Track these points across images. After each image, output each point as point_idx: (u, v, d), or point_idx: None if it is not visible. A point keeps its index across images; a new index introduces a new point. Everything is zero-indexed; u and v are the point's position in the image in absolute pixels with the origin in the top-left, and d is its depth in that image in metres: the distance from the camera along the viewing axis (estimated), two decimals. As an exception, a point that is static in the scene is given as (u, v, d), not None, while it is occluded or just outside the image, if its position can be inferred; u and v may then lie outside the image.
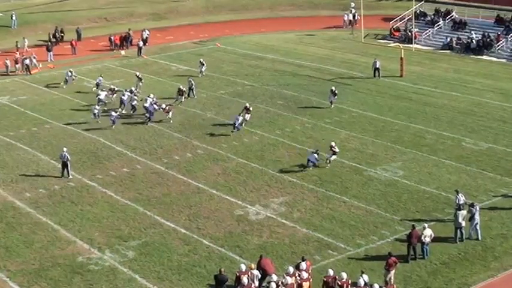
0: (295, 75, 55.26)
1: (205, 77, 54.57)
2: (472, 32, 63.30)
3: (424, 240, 28.25)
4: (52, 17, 74.25)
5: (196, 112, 46.41)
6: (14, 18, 71.27)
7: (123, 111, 45.40)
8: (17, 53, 60.66)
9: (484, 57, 60.50)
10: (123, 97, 46.43)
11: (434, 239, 28.75)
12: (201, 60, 55.96)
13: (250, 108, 43.65)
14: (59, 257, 29.02)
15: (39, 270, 28.11)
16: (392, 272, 26.31)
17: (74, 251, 29.45)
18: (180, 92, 47.74)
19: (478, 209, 29.87)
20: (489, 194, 33.79)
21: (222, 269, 26.06)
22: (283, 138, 41.58)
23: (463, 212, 29.62)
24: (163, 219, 32.07)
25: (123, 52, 63.68)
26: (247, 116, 43.11)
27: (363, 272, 25.39)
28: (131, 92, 47.35)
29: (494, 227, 30.81)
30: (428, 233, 28.34)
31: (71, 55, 63.11)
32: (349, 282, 25.17)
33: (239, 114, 42.81)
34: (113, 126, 43.19)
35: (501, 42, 61.24)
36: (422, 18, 68.66)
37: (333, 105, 46.50)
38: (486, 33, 62.25)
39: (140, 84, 50.81)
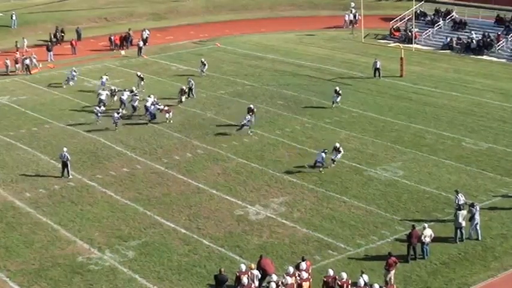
0: (295, 75, 55.26)
1: (205, 77, 54.58)
2: (472, 32, 63.31)
3: (424, 240, 28.25)
4: (52, 17, 74.26)
5: (196, 112, 46.41)
6: (14, 18, 71.28)
7: (124, 111, 45.35)
8: (17, 53, 60.67)
9: (484, 57, 60.50)
10: (122, 97, 46.37)
11: (434, 239, 28.74)
12: (202, 60, 55.97)
13: (255, 110, 43.45)
14: (59, 257, 29.02)
15: (39, 270, 28.11)
16: (393, 272, 26.31)
17: (74, 251, 29.45)
18: (182, 92, 47.68)
19: (478, 209, 29.87)
20: (489, 194, 33.79)
21: (222, 269, 26.05)
22: (283, 138, 41.58)
23: (463, 212, 29.62)
24: (163, 219, 32.07)
25: (123, 52, 63.68)
26: (252, 118, 42.86)
27: (363, 272, 25.39)
28: (131, 92, 47.31)
29: (494, 227, 30.81)
30: (428, 233, 28.34)
31: (71, 55, 63.12)
32: (349, 282, 25.17)
33: (248, 115, 42.51)
34: (116, 128, 42.96)
35: (501, 42, 61.24)
36: (422, 18, 68.66)
37: (334, 105, 46.44)
38: (486, 33, 62.25)
39: (142, 83, 50.82)
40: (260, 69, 57.03)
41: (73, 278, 27.55)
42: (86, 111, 46.76)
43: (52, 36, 66.76)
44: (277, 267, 27.18)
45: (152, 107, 44.08)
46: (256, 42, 66.94)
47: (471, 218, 29.61)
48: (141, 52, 62.32)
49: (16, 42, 63.97)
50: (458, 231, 29.52)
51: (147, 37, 65.43)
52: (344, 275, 25.25)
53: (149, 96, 45.20)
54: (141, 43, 63.05)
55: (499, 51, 60.89)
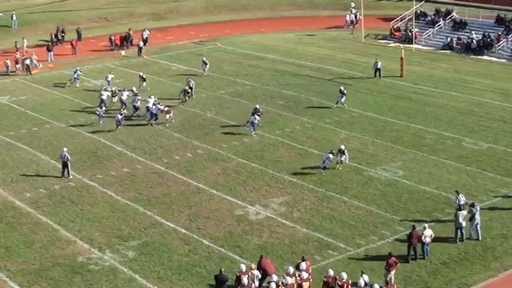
0: (295, 75, 55.26)
1: (205, 77, 54.58)
2: (473, 32, 63.31)
3: (424, 241, 28.24)
4: (52, 17, 74.27)
5: (196, 112, 46.41)
6: (14, 18, 71.27)
7: (125, 111, 45.28)
8: (17, 53, 60.68)
9: (484, 57, 60.50)
10: (122, 97, 46.24)
11: (435, 239, 28.74)
12: (204, 59, 55.99)
13: (261, 110, 43.29)
14: (59, 257, 29.02)
15: (39, 270, 28.11)
16: (393, 272, 26.31)
17: (74, 251, 29.45)
18: (185, 93, 47.51)
19: (478, 209, 29.86)
20: (489, 194, 33.79)
21: (222, 269, 26.06)
22: (283, 138, 41.58)
23: (464, 212, 29.61)
24: (163, 219, 32.07)
25: (123, 52, 63.68)
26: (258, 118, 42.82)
27: (363, 272, 25.39)
28: (132, 92, 47.24)
29: (495, 227, 30.81)
30: (428, 233, 28.34)
31: (71, 55, 63.13)
32: (350, 283, 25.17)
33: (256, 115, 42.39)
34: (116, 129, 42.76)
35: (501, 42, 61.24)
36: (422, 18, 68.67)
37: (336, 105, 46.33)
38: (486, 33, 62.25)
39: (144, 84, 50.81)
40: (260, 69, 57.04)
41: (73, 278, 27.56)
42: (86, 112, 46.77)
43: (53, 37, 66.80)
44: (277, 267, 27.18)
45: (153, 107, 43.98)
46: (256, 42, 66.94)
47: (471, 218, 29.61)
48: (141, 52, 62.32)
49: (16, 42, 63.98)
50: (459, 231, 29.52)
51: (147, 37, 65.42)
52: (344, 275, 25.25)
53: (150, 97, 45.06)
54: (141, 43, 63.05)
55: (499, 51, 60.89)
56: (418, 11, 68.09)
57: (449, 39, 63.75)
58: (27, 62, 57.01)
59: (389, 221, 31.49)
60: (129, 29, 66.53)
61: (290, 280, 25.07)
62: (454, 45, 62.99)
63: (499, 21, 64.42)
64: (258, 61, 59.68)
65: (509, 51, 60.59)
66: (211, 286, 26.42)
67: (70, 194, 34.81)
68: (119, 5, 79.92)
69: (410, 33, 64.91)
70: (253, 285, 25.19)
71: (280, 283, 24.89)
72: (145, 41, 64.32)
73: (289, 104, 47.71)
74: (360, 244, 29.58)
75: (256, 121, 41.77)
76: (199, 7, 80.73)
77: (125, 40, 65.42)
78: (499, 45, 61.10)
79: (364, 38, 66.42)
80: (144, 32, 65.54)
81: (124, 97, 46.21)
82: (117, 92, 48.02)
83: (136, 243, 29.96)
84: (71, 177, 36.47)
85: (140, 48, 62.47)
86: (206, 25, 74.61)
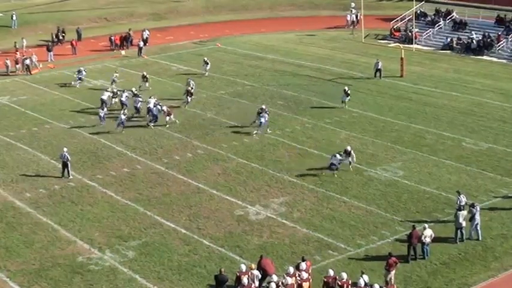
0: (295, 75, 55.27)
1: (205, 77, 54.58)
2: (473, 32, 63.31)
3: (424, 241, 28.24)
4: (52, 17, 74.29)
5: (197, 112, 46.41)
6: (14, 18, 71.28)
7: (126, 112, 45.20)
8: (17, 53, 60.69)
9: (484, 57, 60.50)
10: (122, 98, 46.05)
11: (435, 239, 28.74)
12: (205, 59, 56.01)
13: (266, 111, 43.17)
14: (59, 257, 29.02)
15: (39, 270, 28.11)
16: (393, 272, 26.31)
17: (74, 251, 29.45)
18: (188, 93, 47.38)
19: (478, 209, 29.85)
20: (489, 194, 33.78)
21: (222, 269, 26.05)
22: (283, 138, 41.58)
23: (464, 213, 29.60)
24: (163, 219, 32.07)
25: (123, 52, 63.69)
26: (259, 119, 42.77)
27: (363, 272, 25.38)
28: (132, 92, 47.18)
29: (495, 227, 30.81)
30: (428, 233, 28.33)
31: (71, 55, 63.14)
32: (350, 283, 25.16)
33: (261, 115, 42.26)
34: (121, 130, 42.40)
35: (501, 42, 61.24)
36: (422, 19, 68.68)
37: (346, 105, 46.32)
38: (486, 34, 62.25)
39: (147, 85, 50.80)
40: (260, 70, 57.04)
41: (73, 278, 27.56)
42: (86, 112, 46.77)
43: (54, 37, 66.82)
44: (278, 268, 27.18)
45: (154, 108, 43.78)
46: (256, 42, 66.95)
47: (471, 218, 29.60)
48: (141, 52, 62.33)
49: (15, 42, 63.98)
50: (459, 231, 29.52)
51: (147, 37, 65.41)
52: (344, 275, 25.25)
53: (150, 98, 44.82)
54: (142, 43, 63.06)
55: (499, 51, 60.90)
56: (418, 11, 68.10)
57: (449, 40, 63.76)
58: (27, 62, 57.02)
59: (389, 221, 31.49)
60: (129, 29, 66.54)
61: (290, 280, 25.07)
62: (454, 45, 62.99)
63: (499, 21, 64.41)
64: (258, 61, 59.69)
65: (509, 51, 60.59)
66: (211, 286, 26.42)
67: (70, 194, 34.81)
68: (119, 5, 79.93)
69: (410, 34, 64.91)
70: (253, 285, 25.18)
71: (280, 283, 24.89)
72: (145, 41, 64.33)
73: (289, 104, 47.71)
74: (360, 244, 29.58)
75: (264, 120, 41.76)
76: (199, 7, 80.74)
77: (125, 40, 65.43)
78: (499, 46, 61.10)
79: (364, 38, 66.43)
80: (144, 32, 65.53)
81: (124, 98, 46.08)
82: (118, 92, 47.86)
83: (137, 243, 29.96)
84: (71, 177, 36.47)
85: (140, 48, 62.48)
86: (206, 25, 74.62)
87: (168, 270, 28.00)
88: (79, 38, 67.34)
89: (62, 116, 46.11)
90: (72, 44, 64.08)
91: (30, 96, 51.09)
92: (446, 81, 53.23)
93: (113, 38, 65.25)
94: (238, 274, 25.69)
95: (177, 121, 43.65)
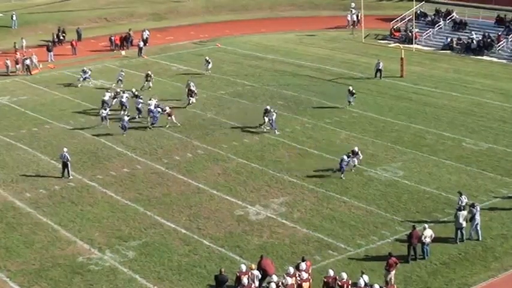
0: (296, 75, 55.27)
1: (205, 77, 54.59)
2: (473, 32, 63.32)
3: (424, 241, 28.24)
4: (52, 17, 74.31)
5: (197, 112, 46.41)
6: (14, 18, 71.30)
7: (129, 114, 45.12)
8: (18, 53, 60.71)
9: (485, 57, 60.50)
10: (123, 99, 45.87)
11: (435, 240, 28.73)
12: (207, 58, 56.05)
13: (272, 110, 42.99)
14: (59, 257, 29.02)
15: (39, 271, 28.11)
16: (393, 273, 26.31)
17: (74, 251, 29.45)
18: (192, 94, 47.24)
19: (478, 209, 29.85)
20: (489, 195, 33.78)
21: (222, 269, 26.05)
22: (284, 138, 41.57)
23: (464, 213, 29.58)
24: (163, 219, 32.07)
25: (123, 52, 63.70)
26: (266, 119, 42.73)
27: (363, 273, 25.38)
28: (131, 92, 47.12)
29: (495, 227, 30.81)
30: (428, 234, 28.33)
31: (71, 55, 63.15)
32: (350, 283, 25.15)
33: (267, 116, 42.33)
34: (124, 133, 42.15)
35: (501, 42, 61.24)
36: (422, 19, 68.68)
37: (351, 104, 46.33)
38: (486, 34, 62.25)
39: (150, 84, 50.79)
40: (260, 70, 57.04)
41: (73, 278, 27.56)
42: (86, 112, 46.78)
43: (55, 37, 66.87)
44: (278, 268, 27.17)
45: (155, 109, 43.42)
46: (256, 42, 66.95)
47: (471, 219, 29.59)
48: (141, 52, 62.34)
49: (14, 43, 63.99)
50: (459, 231, 29.51)
51: (147, 37, 65.42)
52: (344, 275, 25.24)
53: (151, 99, 44.59)
54: (142, 43, 63.07)
55: (499, 51, 60.90)
56: (418, 11, 68.10)
57: (449, 40, 63.76)
58: (27, 62, 57.02)
59: (389, 221, 31.49)
60: (129, 29, 66.54)
61: (290, 280, 25.07)
62: (454, 45, 62.99)
63: (499, 21, 64.41)
64: (258, 61, 59.70)
65: (509, 51, 60.59)
66: (212, 286, 26.41)
67: (70, 194, 34.81)
68: (119, 5, 79.94)
69: (410, 34, 64.91)
70: (253, 286, 25.19)
71: (280, 283, 24.89)
72: (145, 41, 64.33)
73: (289, 104, 47.70)
74: (360, 244, 29.58)
75: (273, 121, 41.99)
76: (200, 7, 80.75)
77: (125, 40, 65.43)
78: (499, 46, 61.10)
79: (364, 38, 66.43)
80: (144, 32, 65.54)
81: (124, 99, 45.93)
82: (120, 93, 47.47)
83: (137, 244, 29.96)
84: (71, 177, 36.47)
85: (140, 49, 62.49)
86: (206, 25, 74.63)
87: (168, 270, 28.01)
88: (79, 38, 67.36)
89: (62, 116, 46.12)
90: (72, 44, 64.09)
91: (30, 96, 51.10)
92: (446, 82, 53.23)
93: (113, 38, 65.26)
94: (238, 274, 25.68)
95: (178, 124, 43.36)
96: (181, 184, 35.73)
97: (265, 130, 42.18)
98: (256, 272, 25.76)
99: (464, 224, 29.39)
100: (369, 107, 46.95)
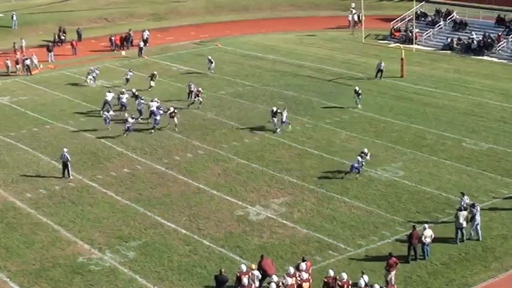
0: (296, 75, 55.27)
1: (206, 77, 54.61)
2: (473, 32, 63.32)
3: (424, 241, 28.24)
4: (52, 17, 74.30)
5: (197, 112, 46.40)
6: (14, 18, 71.28)
7: (126, 114, 45.02)
8: (18, 53, 60.72)
9: (485, 57, 60.51)
10: (123, 100, 45.67)
11: (435, 240, 28.74)
12: (209, 57, 56.11)
13: (279, 111, 42.95)
14: (60, 257, 29.03)
15: (39, 271, 28.12)
16: (393, 273, 26.31)
17: (74, 252, 29.46)
18: (197, 94, 47.08)
19: (478, 209, 29.85)
20: (489, 195, 33.78)
21: (223, 270, 26.06)
22: (284, 138, 41.57)
23: (464, 213, 29.57)
24: (163, 219, 32.07)
25: (123, 52, 63.71)
26: (275, 119, 42.78)
27: (363, 273, 25.39)
28: (131, 93, 47.08)
29: (495, 227, 30.81)
30: (428, 234, 28.33)
31: (71, 55, 63.16)
32: (350, 283, 25.17)
33: (275, 117, 42.45)
34: (126, 134, 41.83)
35: (502, 42, 61.25)
36: (422, 19, 68.70)
37: (359, 106, 46.35)
38: (487, 34, 62.26)
39: (153, 83, 50.83)
40: (260, 70, 57.04)
41: (73, 278, 27.57)
42: (86, 112, 46.80)
43: (56, 37, 66.91)
44: (278, 268, 27.17)
45: (157, 110, 43.02)
46: (256, 42, 66.96)
47: (472, 219, 29.60)
48: (141, 53, 62.35)
49: (14, 43, 64.01)
50: (459, 231, 29.51)
51: (147, 38, 65.42)
52: (344, 276, 25.25)
53: (152, 101, 44.30)
54: (142, 43, 63.07)
55: (500, 51, 60.91)
56: (419, 12, 68.11)
57: (449, 40, 63.77)
58: (28, 62, 57.03)
59: (389, 221, 31.49)
60: (130, 30, 66.55)
61: (290, 280, 25.08)
62: (455, 45, 63.00)
63: (500, 21, 64.41)
64: (258, 61, 59.71)
65: (509, 51, 60.59)
66: (212, 287, 26.40)
67: (70, 194, 34.82)
68: (119, 5, 79.95)
69: (410, 34, 64.90)
70: (253, 286, 25.19)
71: (280, 283, 24.90)
72: (145, 42, 64.34)
73: (289, 104, 47.65)
74: (360, 244, 29.58)
75: (285, 118, 42.11)
76: (200, 7, 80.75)
77: (125, 40, 65.43)
78: (499, 46, 61.11)
79: (365, 38, 66.42)
80: (144, 33, 65.53)
81: (124, 100, 45.85)
82: (124, 93, 47.16)
83: (137, 244, 29.97)
84: (71, 177, 36.48)
85: (141, 49, 62.50)
86: (206, 25, 74.63)
87: (168, 270, 28.01)
88: (79, 38, 67.37)
89: (62, 117, 46.13)
90: (72, 45, 64.10)
91: (30, 96, 51.11)
92: (446, 82, 53.24)
93: (113, 38, 65.25)
94: (238, 274, 25.69)
95: (176, 129, 42.81)
96: (182, 184, 35.73)
97: (278, 132, 42.09)
98: (256, 272, 25.76)
99: (464, 224, 29.39)
100: (369, 107, 46.94)
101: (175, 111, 43.21)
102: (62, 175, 36.53)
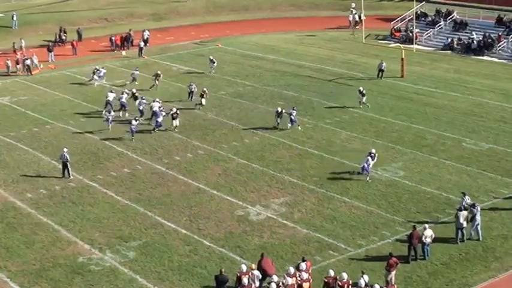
0: (296, 75, 55.27)
1: (206, 77, 54.61)
2: (473, 32, 63.34)
3: (424, 241, 28.24)
4: (53, 17, 74.31)
5: (197, 113, 46.41)
6: (14, 18, 71.28)
7: (126, 114, 45.07)
8: (18, 53, 60.73)
9: (485, 57, 60.52)
10: (122, 100, 45.58)
11: (435, 240, 28.73)
12: (211, 57, 56.15)
13: (284, 111, 43.02)
14: (60, 257, 29.04)
15: (39, 271, 28.13)
16: (393, 273, 26.31)
17: (74, 252, 29.46)
18: (201, 95, 47.03)
19: (479, 209, 29.85)
20: (490, 195, 33.78)
21: (223, 270, 26.06)
22: (284, 138, 41.57)
23: (464, 213, 29.58)
24: (164, 219, 32.07)
25: (124, 52, 63.72)
26: (280, 120, 42.83)
27: (363, 273, 25.40)
28: (132, 93, 47.08)
29: (495, 227, 30.81)
30: (429, 234, 28.33)
31: (71, 55, 63.16)
32: (350, 283, 25.18)
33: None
34: (132, 137, 41.45)
35: (502, 42, 61.25)
36: (423, 19, 68.71)
37: (361, 106, 46.34)
38: (487, 34, 62.26)
39: (156, 82, 50.84)
40: (261, 70, 57.05)
41: (74, 278, 27.57)
42: (86, 112, 46.80)
43: (57, 37, 66.92)
44: (278, 268, 27.17)
45: (159, 112, 42.75)
46: (256, 42, 66.97)
47: (472, 219, 29.60)
48: (141, 53, 62.36)
49: (13, 43, 64.00)
50: (459, 231, 29.51)
51: (147, 38, 65.42)
52: (345, 276, 25.25)
53: (154, 101, 44.20)
54: (142, 43, 63.08)
55: (500, 51, 60.92)
56: (419, 12, 68.12)
57: (449, 40, 63.77)
58: (28, 62, 57.04)
59: (389, 221, 31.50)
60: (130, 30, 66.56)
61: (290, 280, 25.08)
62: (455, 45, 63.01)
63: (500, 21, 64.40)
64: (258, 61, 59.71)
65: (509, 51, 60.60)
66: (212, 287, 26.40)
67: (71, 194, 34.82)
68: (119, 5, 79.96)
69: (410, 34, 64.90)
70: (253, 286, 25.19)
71: (280, 283, 24.90)
72: (145, 42, 64.34)
73: (289, 104, 47.62)
74: (361, 244, 29.58)
75: (293, 117, 42.31)
76: (200, 7, 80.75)
77: (126, 40, 65.45)
78: (499, 46, 61.12)
79: (365, 38, 66.41)
80: (144, 33, 65.54)
81: (124, 100, 45.74)
82: (124, 93, 47.02)
83: (137, 244, 29.97)
84: (71, 177, 36.48)
85: (141, 49, 62.51)
86: (207, 25, 74.62)
87: (168, 270, 28.02)
88: (79, 38, 67.39)
89: (62, 117, 46.13)
90: (72, 45, 64.12)
91: (30, 96, 51.11)
92: (446, 82, 53.24)
93: (113, 38, 65.27)
94: (238, 274, 25.69)
95: (176, 130, 42.77)
96: (182, 184, 35.74)
97: (288, 128, 42.45)
98: (256, 272, 25.76)
99: (464, 224, 29.39)
100: (369, 107, 46.91)
101: (177, 112, 43.17)
102: (62, 175, 36.53)
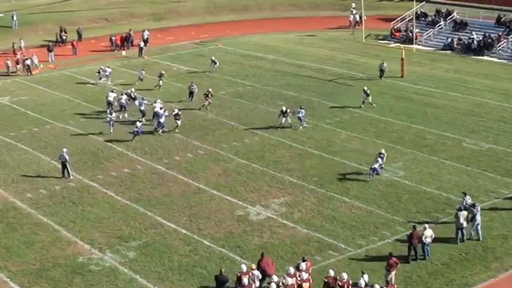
0: (296, 75, 55.27)
1: (206, 77, 54.60)
2: (473, 32, 63.33)
3: (424, 241, 28.24)
4: (53, 17, 74.31)
5: (197, 113, 46.41)
6: (14, 18, 71.29)
7: (126, 115, 45.05)
8: (18, 53, 60.72)
9: (485, 57, 60.51)
10: (122, 101, 45.37)
11: (435, 240, 28.73)
12: (213, 58, 56.18)
13: (288, 110, 43.03)
14: (60, 257, 29.04)
15: (39, 271, 28.13)
16: (393, 273, 26.31)
17: (74, 252, 29.47)
18: (206, 96, 46.93)
19: (479, 209, 29.85)
20: (490, 195, 33.78)
21: (223, 270, 26.06)
22: (284, 138, 41.58)
23: (464, 213, 29.58)
24: (164, 219, 32.07)
25: (124, 52, 63.72)
26: (284, 120, 42.87)
27: (363, 273, 25.40)
28: (131, 93, 47.08)
29: (495, 227, 30.81)
30: (429, 234, 28.33)
31: (71, 55, 63.16)
32: (350, 283, 25.17)
33: (284, 116, 42.74)
34: (134, 139, 41.29)
35: (502, 42, 61.25)
36: (423, 19, 68.71)
37: (363, 105, 46.33)
38: (487, 34, 62.26)
39: (161, 82, 50.87)
40: (261, 70, 57.05)
41: (74, 278, 27.57)
42: (86, 112, 46.80)
43: (58, 37, 66.90)
44: (278, 268, 27.17)
45: (161, 112, 42.54)
46: (256, 42, 66.96)
47: (472, 219, 29.60)
48: (141, 53, 62.36)
49: (13, 43, 64.01)
50: (459, 231, 29.51)
51: (147, 38, 65.42)
52: (345, 276, 25.25)
53: (156, 102, 44.05)
54: (142, 43, 63.08)
55: (500, 51, 60.91)
56: (419, 12, 68.12)
57: (449, 40, 63.77)
58: (28, 62, 57.04)
59: (389, 221, 31.50)
60: (130, 30, 66.56)
61: (290, 280, 25.08)
62: (455, 45, 63.00)
63: (500, 21, 64.38)
64: (258, 61, 59.71)
65: (509, 51, 60.59)
66: (212, 287, 26.40)
67: (71, 194, 34.82)
68: (119, 5, 79.96)
69: (410, 34, 64.90)
70: (253, 286, 25.19)
71: (280, 283, 24.90)
72: (145, 42, 64.35)
73: (289, 104, 47.63)
74: (361, 244, 29.58)
75: (302, 116, 42.39)
76: (200, 7, 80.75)
77: (126, 40, 65.45)
78: (499, 46, 61.11)
79: (365, 38, 66.41)
80: (144, 33, 65.54)
81: (123, 100, 45.57)
82: (124, 94, 46.77)
83: (137, 244, 29.97)
84: (71, 177, 36.48)
85: (141, 49, 62.50)
86: (207, 25, 74.62)
87: (168, 270, 28.02)
88: (79, 38, 67.40)
89: (62, 117, 46.13)
90: (72, 45, 64.13)
91: (30, 96, 51.12)
92: (446, 82, 53.24)
93: (113, 38, 65.28)
94: (238, 274, 25.69)
95: (176, 130, 42.76)
96: (182, 184, 35.74)
97: (294, 128, 42.56)
98: (256, 272, 25.76)
99: (464, 224, 29.39)
100: (369, 107, 46.90)
101: (180, 112, 43.12)
102: (61, 175, 36.52)
